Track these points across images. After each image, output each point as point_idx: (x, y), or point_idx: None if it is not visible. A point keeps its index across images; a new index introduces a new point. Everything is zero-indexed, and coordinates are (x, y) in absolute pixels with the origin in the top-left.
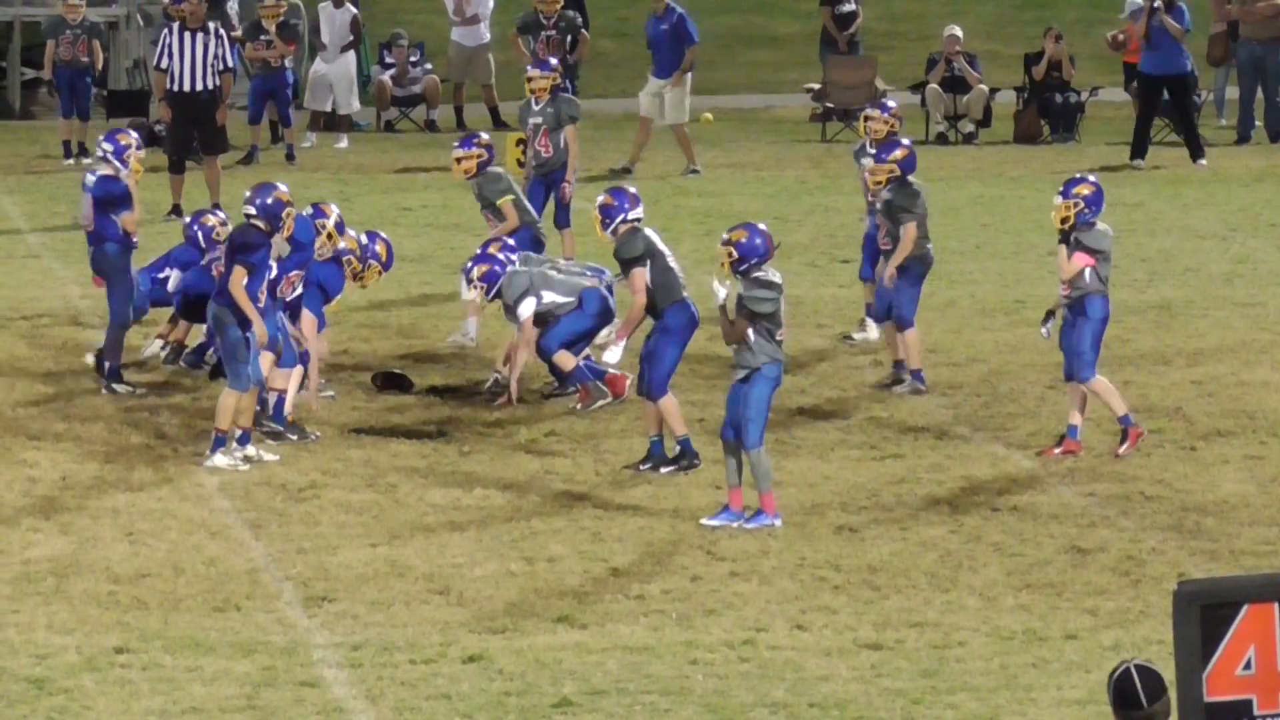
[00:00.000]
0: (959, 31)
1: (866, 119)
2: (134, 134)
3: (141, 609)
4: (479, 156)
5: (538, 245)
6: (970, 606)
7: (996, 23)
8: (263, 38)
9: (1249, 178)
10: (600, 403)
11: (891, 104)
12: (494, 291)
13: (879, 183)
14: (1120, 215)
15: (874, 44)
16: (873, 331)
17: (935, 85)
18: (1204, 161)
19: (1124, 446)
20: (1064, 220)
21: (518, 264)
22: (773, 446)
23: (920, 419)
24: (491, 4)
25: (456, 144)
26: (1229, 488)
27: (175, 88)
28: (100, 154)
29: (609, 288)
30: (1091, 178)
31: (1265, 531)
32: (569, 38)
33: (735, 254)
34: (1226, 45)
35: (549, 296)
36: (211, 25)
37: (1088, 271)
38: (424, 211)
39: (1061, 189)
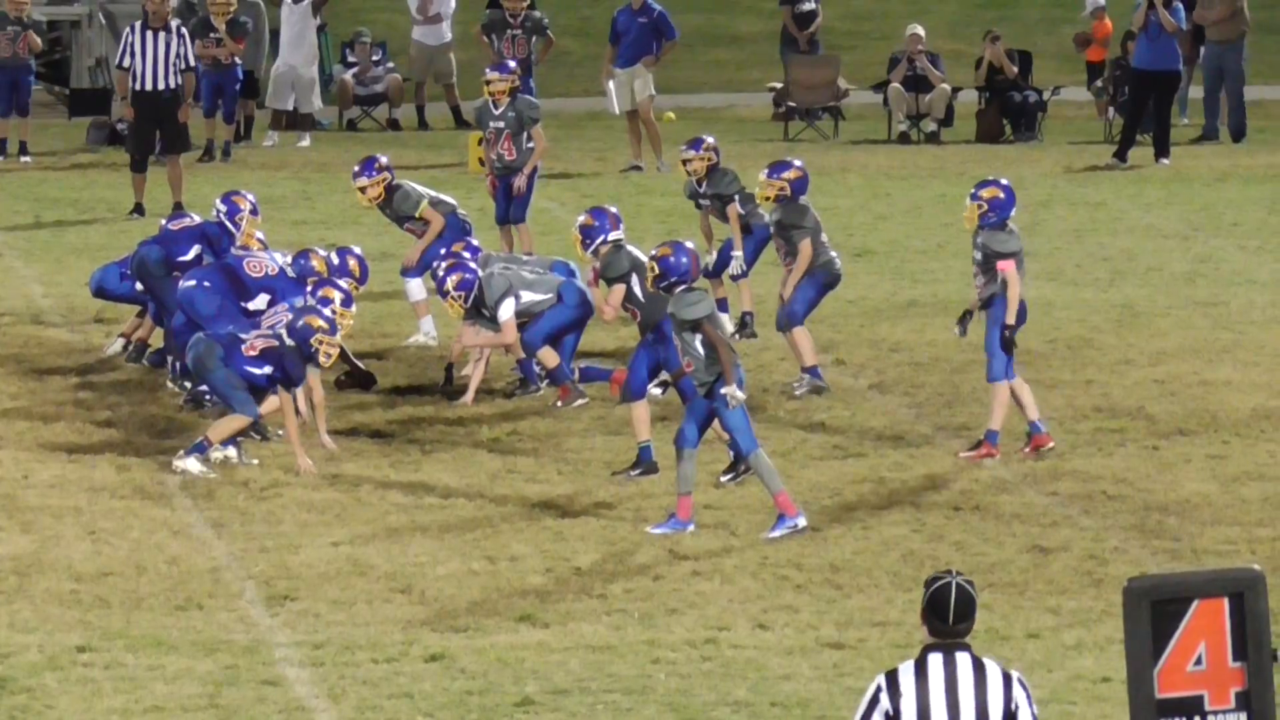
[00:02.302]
0: (921, 30)
1: (684, 161)
2: (250, 197)
3: (104, 608)
4: (384, 180)
5: (465, 228)
6: None
7: (959, 22)
8: (212, 35)
9: (1211, 177)
10: (578, 402)
11: (708, 139)
12: (470, 298)
13: (766, 198)
14: (1083, 214)
15: (836, 43)
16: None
17: (897, 84)
18: (1167, 160)
19: (971, 453)
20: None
21: (487, 264)
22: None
23: (882, 419)
24: (454, 3)
25: (356, 171)
26: (1191, 487)
27: (138, 86)
28: (215, 212)
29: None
30: (1003, 181)
31: (1227, 530)
32: (534, 37)
33: (657, 269)
34: (1193, 45)
35: (527, 295)
36: (173, 24)
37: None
38: None
39: (971, 191)
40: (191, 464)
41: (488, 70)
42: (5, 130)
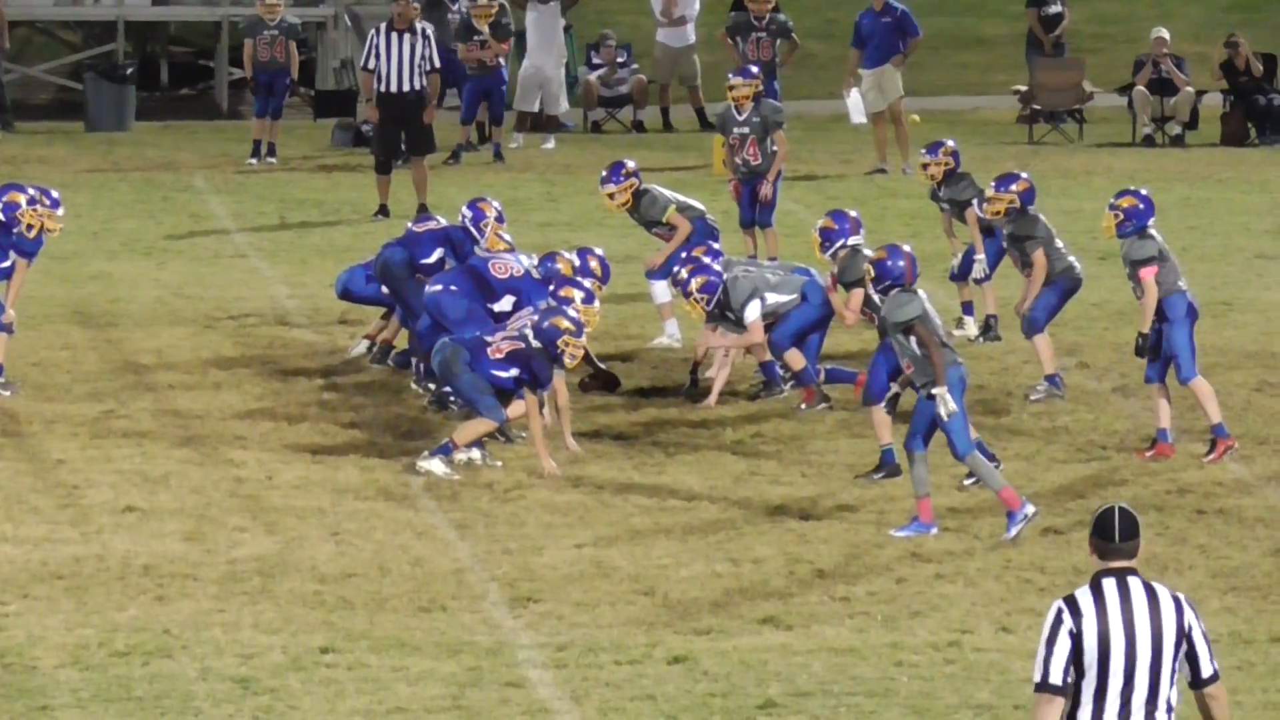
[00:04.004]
0: (1166, 34)
1: (923, 165)
2: (496, 205)
3: (347, 609)
4: (632, 186)
5: (713, 232)
6: None
7: (1204, 25)
8: (476, 38)
9: None
10: (821, 406)
11: (948, 142)
12: (714, 300)
13: (996, 212)
14: None
15: (1081, 46)
16: (970, 329)
17: (1142, 87)
18: None
19: (1212, 456)
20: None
21: (729, 268)
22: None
23: (1126, 422)
24: (698, 5)
25: (604, 177)
26: None
27: (383, 88)
28: (461, 218)
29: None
30: (1142, 191)
31: None
32: (779, 40)
33: (873, 272)
34: None
35: (773, 297)
36: (419, 26)
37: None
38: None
39: (1110, 201)
40: (436, 465)
41: (731, 75)
42: (260, 132)
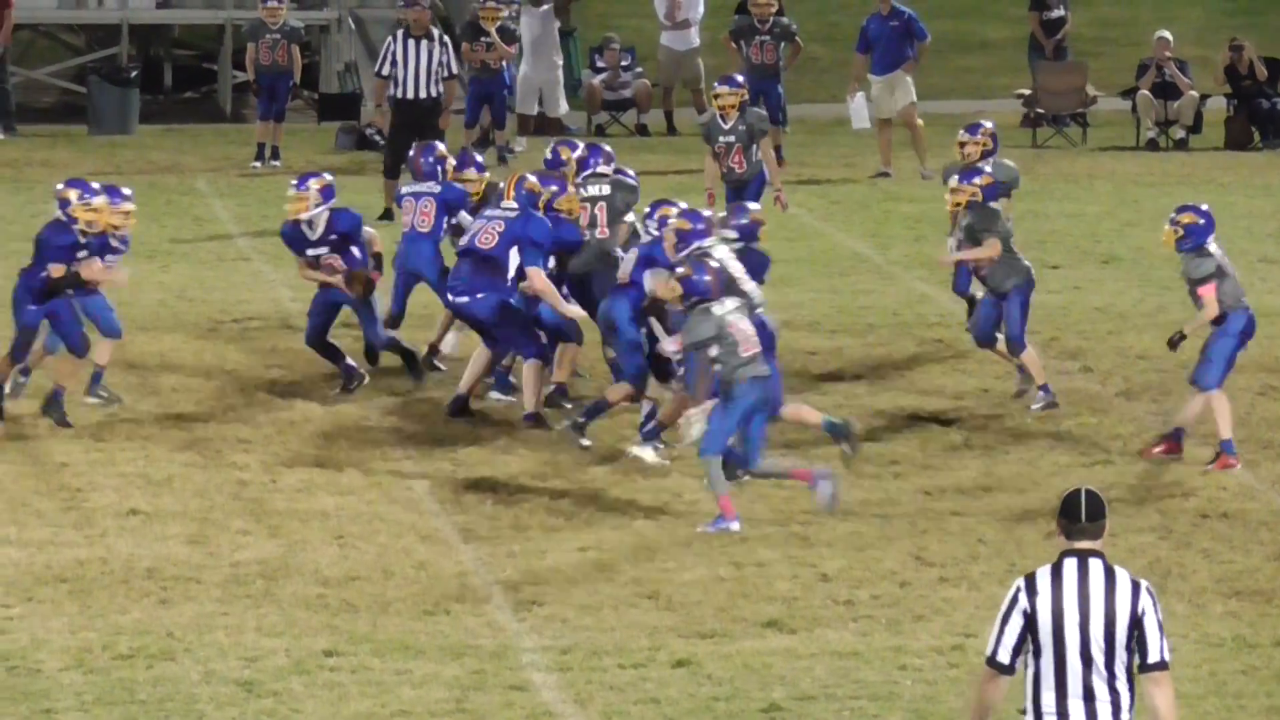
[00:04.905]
0: (1169, 37)
1: (960, 144)
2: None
3: (351, 612)
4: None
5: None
6: (1179, 613)
7: (1207, 28)
8: (483, 39)
9: None
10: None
11: (987, 124)
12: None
13: (958, 204)
14: None
15: (1084, 49)
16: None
17: (1145, 91)
18: None
19: (1213, 465)
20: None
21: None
22: (980, 453)
23: (1129, 426)
24: (702, 9)
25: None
26: None
27: (399, 94)
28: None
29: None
30: (1203, 207)
31: None
32: (782, 43)
33: (680, 289)
34: None
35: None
36: (436, 32)
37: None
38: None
39: (1170, 215)
40: (648, 454)
41: (716, 84)
42: (263, 135)
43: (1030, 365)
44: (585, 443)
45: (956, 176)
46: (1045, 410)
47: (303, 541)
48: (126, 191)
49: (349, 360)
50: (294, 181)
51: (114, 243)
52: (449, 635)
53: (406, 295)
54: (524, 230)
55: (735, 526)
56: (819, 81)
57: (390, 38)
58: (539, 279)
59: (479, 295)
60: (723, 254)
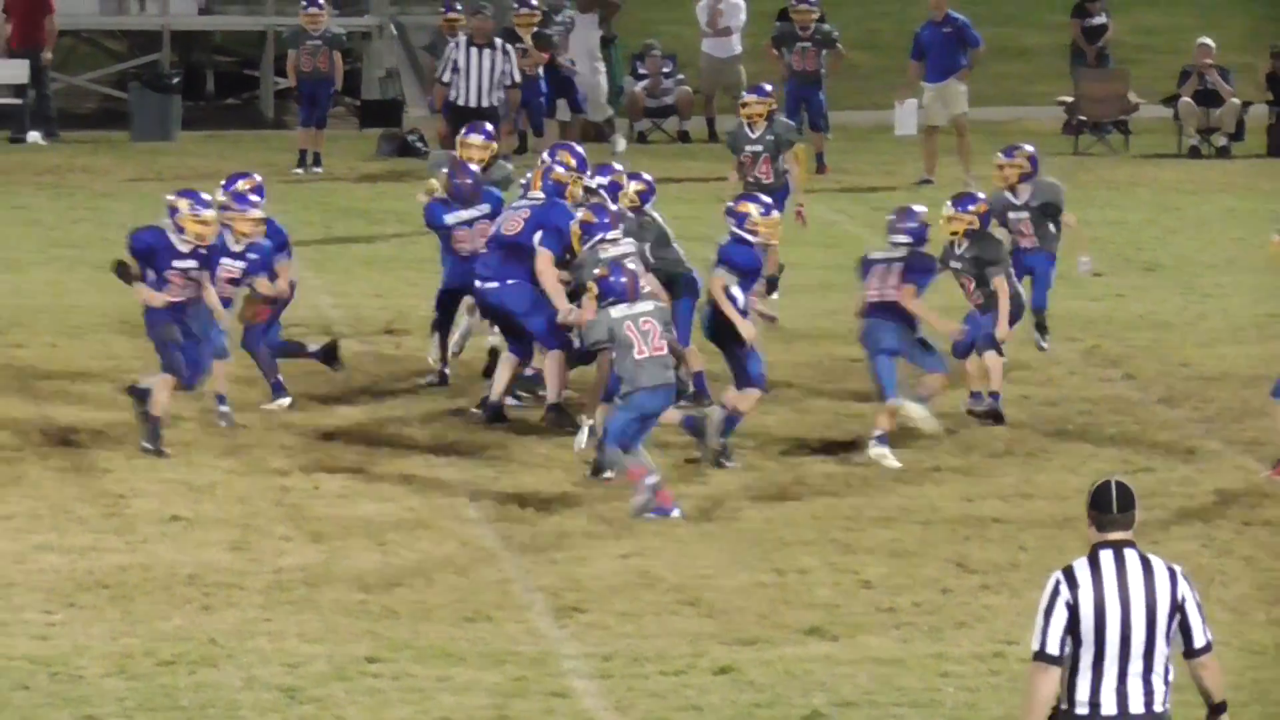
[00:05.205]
0: (1211, 44)
1: (999, 166)
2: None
3: (392, 618)
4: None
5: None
6: (1221, 621)
7: (1248, 35)
8: (518, 46)
9: None
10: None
11: (1026, 146)
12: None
13: (955, 234)
14: None
15: (1125, 56)
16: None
17: (1187, 98)
18: None
19: (1273, 471)
20: None
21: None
22: (1021, 460)
23: (1171, 433)
24: (744, 16)
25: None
26: None
27: (460, 102)
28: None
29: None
30: None
31: None
32: (824, 50)
33: (596, 289)
34: None
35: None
36: (498, 41)
37: None
38: (675, 224)
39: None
40: (887, 452)
41: (744, 93)
42: (305, 142)
43: (993, 370)
44: (732, 464)
45: (950, 204)
46: (983, 415)
47: (344, 548)
48: (254, 198)
49: (311, 346)
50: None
51: (236, 247)
52: (490, 642)
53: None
54: (547, 216)
55: (652, 481)
56: (860, 88)
57: (452, 44)
58: (545, 261)
59: (508, 282)
60: (625, 249)
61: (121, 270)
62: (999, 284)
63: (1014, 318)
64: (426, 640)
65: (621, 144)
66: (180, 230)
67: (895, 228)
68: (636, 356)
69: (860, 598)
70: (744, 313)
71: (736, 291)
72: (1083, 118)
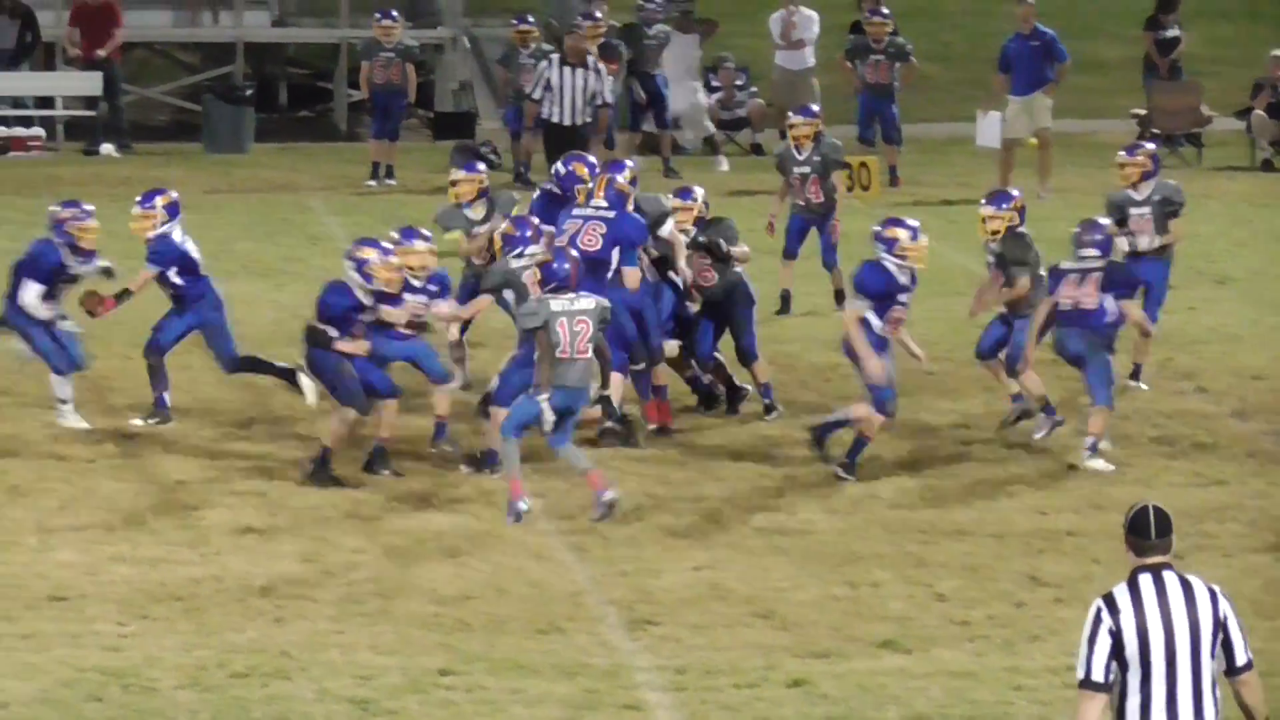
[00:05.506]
0: None
1: (1120, 165)
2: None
3: (465, 630)
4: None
5: None
6: None
7: None
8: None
9: None
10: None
11: (1148, 145)
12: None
13: (995, 233)
14: None
15: (1198, 69)
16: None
17: (1261, 111)
18: None
19: None
20: None
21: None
22: (1093, 473)
23: (1244, 445)
24: (817, 29)
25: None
26: None
27: (552, 120)
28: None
29: None
30: None
31: None
32: (897, 63)
33: (540, 274)
34: None
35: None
36: (591, 60)
37: None
38: (748, 236)
39: None
40: (1099, 463)
41: (791, 114)
42: (377, 154)
43: (1031, 387)
44: (849, 479)
45: (987, 202)
46: (1051, 434)
47: (417, 560)
48: (425, 232)
49: (279, 364)
50: (139, 199)
51: (416, 282)
52: (562, 654)
53: None
54: (622, 230)
55: (524, 505)
56: (933, 100)
57: (545, 62)
58: (633, 279)
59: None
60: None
61: (313, 336)
62: (1021, 283)
63: (1042, 331)
64: (499, 652)
65: (724, 164)
66: (368, 279)
67: (1082, 240)
68: (559, 355)
69: (933, 611)
70: (881, 341)
71: (872, 317)
72: (1155, 130)
